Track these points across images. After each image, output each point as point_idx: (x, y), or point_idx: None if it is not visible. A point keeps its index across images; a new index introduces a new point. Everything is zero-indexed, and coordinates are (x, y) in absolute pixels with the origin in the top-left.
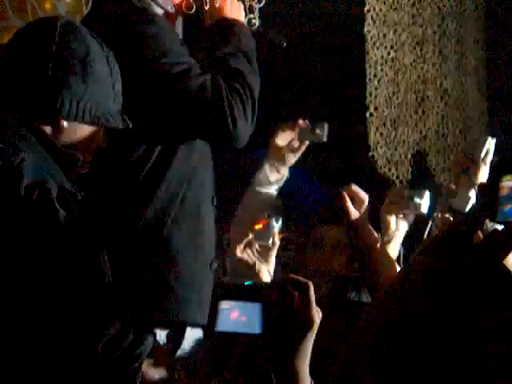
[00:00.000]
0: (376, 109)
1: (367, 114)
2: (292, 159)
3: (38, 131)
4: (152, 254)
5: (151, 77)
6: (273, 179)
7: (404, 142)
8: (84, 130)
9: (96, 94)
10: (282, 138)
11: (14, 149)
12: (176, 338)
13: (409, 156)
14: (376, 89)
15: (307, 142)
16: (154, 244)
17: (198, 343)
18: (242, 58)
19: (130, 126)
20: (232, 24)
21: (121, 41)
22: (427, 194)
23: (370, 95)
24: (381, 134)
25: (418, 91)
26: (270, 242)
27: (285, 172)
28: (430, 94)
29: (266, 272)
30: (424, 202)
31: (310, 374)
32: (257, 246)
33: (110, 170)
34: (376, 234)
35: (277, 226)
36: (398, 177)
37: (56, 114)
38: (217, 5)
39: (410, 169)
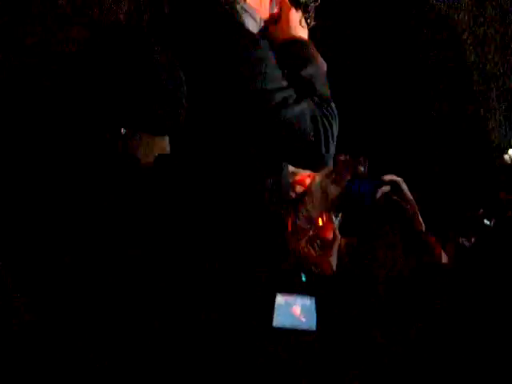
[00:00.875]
0: None
1: None
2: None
3: None
4: None
5: (248, 102)
6: None
7: None
8: None
9: None
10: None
11: None
12: None
13: None
14: None
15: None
16: None
17: None
18: (323, 79)
19: None
20: (306, 42)
21: (215, 57)
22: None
23: None
24: None
25: (479, 91)
26: (332, 235)
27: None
28: (493, 94)
29: (328, 264)
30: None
31: None
32: (318, 240)
33: None
34: None
35: (337, 220)
36: None
37: None
38: (291, 23)
39: None
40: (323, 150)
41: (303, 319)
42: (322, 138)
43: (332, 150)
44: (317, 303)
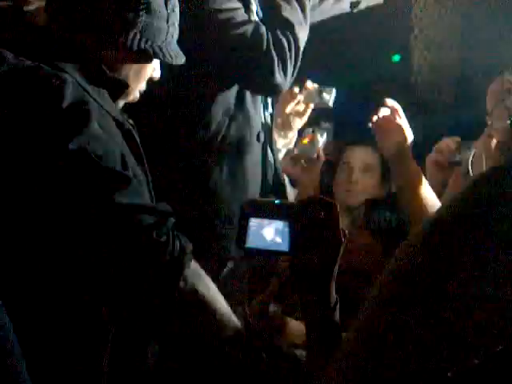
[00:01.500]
0: (421, 31)
1: (411, 37)
2: (298, 124)
3: (85, 53)
4: (193, 190)
5: (199, 23)
6: (280, 145)
7: (448, 66)
8: (134, 63)
9: (149, 26)
10: (287, 105)
11: (57, 70)
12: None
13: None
14: (421, 11)
15: (312, 106)
16: (194, 180)
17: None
18: (295, 6)
19: (183, 60)
20: None
21: None
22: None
23: (416, 17)
24: (425, 58)
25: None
26: (315, 155)
27: (292, 136)
28: (478, 15)
29: (313, 182)
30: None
31: (344, 297)
32: (302, 161)
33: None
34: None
35: (322, 140)
36: (441, 101)
37: (112, 42)
38: None
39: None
40: (268, 75)
41: (277, 241)
42: (268, 63)
43: (278, 77)
44: (291, 227)
